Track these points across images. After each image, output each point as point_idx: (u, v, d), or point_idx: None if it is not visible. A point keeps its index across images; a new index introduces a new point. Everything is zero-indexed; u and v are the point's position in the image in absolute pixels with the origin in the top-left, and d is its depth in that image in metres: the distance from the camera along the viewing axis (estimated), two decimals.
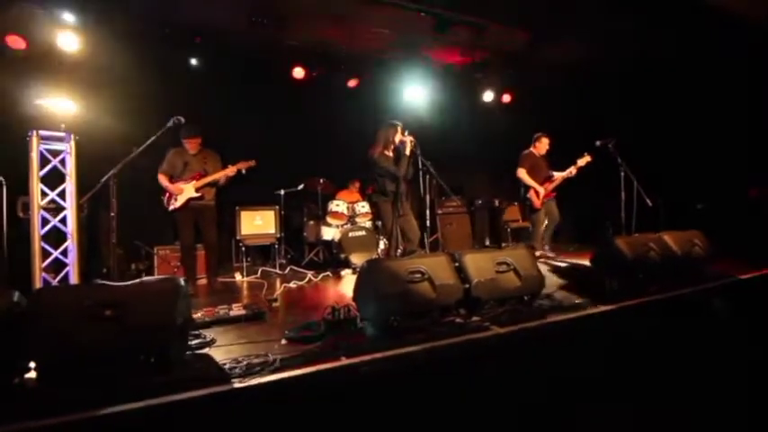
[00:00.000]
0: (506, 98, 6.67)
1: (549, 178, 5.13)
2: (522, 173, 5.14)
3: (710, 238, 3.97)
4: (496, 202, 6.79)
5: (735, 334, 2.98)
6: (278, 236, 5.47)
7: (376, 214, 5.14)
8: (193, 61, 5.10)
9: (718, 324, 3.12)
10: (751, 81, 5.03)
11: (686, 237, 3.84)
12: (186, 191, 4.08)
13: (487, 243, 6.67)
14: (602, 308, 2.97)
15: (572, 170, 5.02)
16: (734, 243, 4.43)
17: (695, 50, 5.16)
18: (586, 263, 3.74)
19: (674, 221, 4.53)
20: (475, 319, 2.65)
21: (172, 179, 4.13)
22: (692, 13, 4.58)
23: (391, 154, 4.09)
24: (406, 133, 3.98)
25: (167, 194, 4.13)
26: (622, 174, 4.55)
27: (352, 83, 6.03)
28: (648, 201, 4.47)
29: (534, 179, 5.09)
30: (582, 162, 5.00)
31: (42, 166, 3.54)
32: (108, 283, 2.15)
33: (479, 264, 2.85)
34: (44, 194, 3.57)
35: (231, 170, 4.22)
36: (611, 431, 1.99)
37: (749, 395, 2.24)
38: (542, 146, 5.26)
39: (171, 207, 4.11)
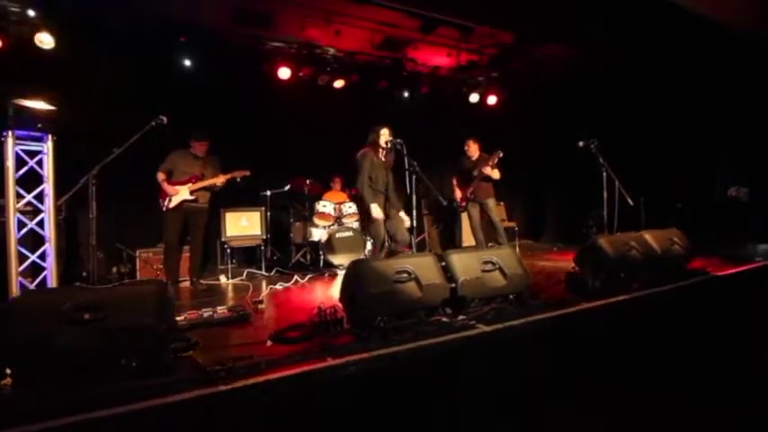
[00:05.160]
0: (492, 99, 6.74)
1: (470, 182, 5.28)
2: (452, 180, 5.51)
3: (690, 236, 4.08)
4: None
5: (714, 330, 3.06)
6: (264, 237, 5.42)
7: (361, 213, 5.05)
8: (177, 60, 5.01)
9: (700, 320, 3.19)
10: (729, 85, 5.19)
11: (666, 235, 3.94)
12: (181, 192, 4.17)
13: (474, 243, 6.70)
14: (586, 305, 3.01)
15: (485, 170, 5.08)
16: (712, 241, 4.56)
17: (676, 53, 5.30)
18: (570, 262, 3.81)
19: (654, 220, 4.65)
20: (461, 317, 2.66)
21: (170, 178, 4.20)
22: (675, 17, 4.70)
23: (382, 156, 4.10)
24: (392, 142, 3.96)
25: (163, 194, 4.18)
26: (604, 174, 4.63)
27: (338, 83, 6.01)
28: (630, 200, 4.56)
29: (462, 183, 5.38)
30: (494, 159, 5.07)
31: (18, 167, 3.43)
32: (87, 286, 2.10)
33: (465, 263, 2.87)
34: (20, 197, 3.47)
35: (224, 178, 4.34)
36: (597, 426, 2.02)
37: (728, 389, 2.30)
38: (469, 150, 5.38)
39: (165, 207, 4.17)
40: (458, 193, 5.40)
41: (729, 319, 3.22)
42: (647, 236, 3.83)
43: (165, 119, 3.66)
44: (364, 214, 4.35)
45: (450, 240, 6.32)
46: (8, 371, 1.79)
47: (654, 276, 3.53)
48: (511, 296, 3.00)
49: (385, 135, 4.03)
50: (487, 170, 5.06)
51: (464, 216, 5.74)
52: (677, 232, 4.05)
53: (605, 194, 4.65)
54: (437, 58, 6.34)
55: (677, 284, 3.49)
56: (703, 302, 3.47)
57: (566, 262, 4.86)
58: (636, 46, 5.35)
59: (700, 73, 5.29)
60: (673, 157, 5.53)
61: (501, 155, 5.06)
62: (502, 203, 6.63)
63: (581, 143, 4.73)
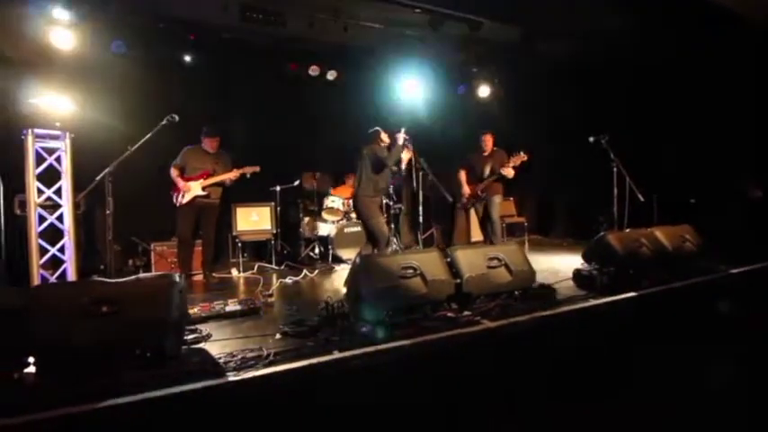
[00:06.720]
0: (500, 93, 6.68)
1: (481, 179, 5.00)
2: (459, 173, 5.14)
3: (702, 232, 4.02)
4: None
5: (726, 327, 3.03)
6: (274, 232, 5.50)
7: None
8: (187, 58, 5.08)
9: (710, 317, 3.16)
10: (740, 78, 5.06)
11: (677, 232, 3.90)
12: (193, 189, 4.22)
13: (481, 238, 6.70)
14: (593, 302, 3.02)
15: (503, 170, 4.81)
16: (725, 237, 4.49)
17: (689, 47, 5.18)
18: (579, 258, 3.80)
19: (667, 216, 4.58)
20: (466, 313, 2.69)
21: (183, 174, 4.27)
22: (687, 9, 4.60)
23: (386, 153, 4.09)
24: (405, 140, 3.92)
25: (176, 190, 4.25)
26: (615, 169, 4.58)
27: (347, 79, 6.02)
28: (641, 196, 4.51)
29: (470, 179, 5.09)
30: (517, 161, 4.79)
31: (38, 163, 3.56)
32: (105, 279, 2.18)
33: (471, 259, 2.90)
34: (40, 192, 3.59)
35: (235, 173, 4.38)
36: (600, 425, 2.04)
37: (737, 387, 2.29)
38: (484, 144, 5.09)
39: (178, 203, 4.23)
40: (466, 189, 5.11)
41: (740, 317, 3.18)
42: (658, 233, 3.80)
43: (176, 117, 3.73)
44: (361, 211, 4.19)
45: (450, 237, 6.31)
46: (31, 360, 1.88)
47: (664, 273, 3.50)
48: (516, 292, 3.02)
49: (388, 132, 4.02)
50: (506, 170, 4.80)
51: (471, 211, 5.71)
52: (689, 229, 4.00)
53: (616, 190, 4.60)
54: (445, 52, 6.31)
55: (688, 281, 3.46)
56: (714, 300, 3.43)
57: (575, 258, 4.84)
58: (646, 38, 5.24)
59: (714, 65, 5.17)
60: (686, 153, 5.43)
61: (525, 158, 4.77)
62: (512, 199, 6.59)
63: (591, 138, 4.68)
